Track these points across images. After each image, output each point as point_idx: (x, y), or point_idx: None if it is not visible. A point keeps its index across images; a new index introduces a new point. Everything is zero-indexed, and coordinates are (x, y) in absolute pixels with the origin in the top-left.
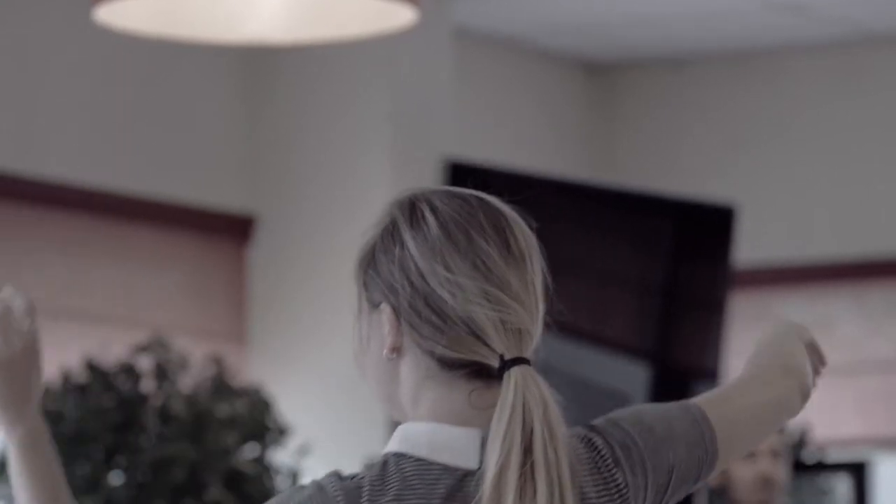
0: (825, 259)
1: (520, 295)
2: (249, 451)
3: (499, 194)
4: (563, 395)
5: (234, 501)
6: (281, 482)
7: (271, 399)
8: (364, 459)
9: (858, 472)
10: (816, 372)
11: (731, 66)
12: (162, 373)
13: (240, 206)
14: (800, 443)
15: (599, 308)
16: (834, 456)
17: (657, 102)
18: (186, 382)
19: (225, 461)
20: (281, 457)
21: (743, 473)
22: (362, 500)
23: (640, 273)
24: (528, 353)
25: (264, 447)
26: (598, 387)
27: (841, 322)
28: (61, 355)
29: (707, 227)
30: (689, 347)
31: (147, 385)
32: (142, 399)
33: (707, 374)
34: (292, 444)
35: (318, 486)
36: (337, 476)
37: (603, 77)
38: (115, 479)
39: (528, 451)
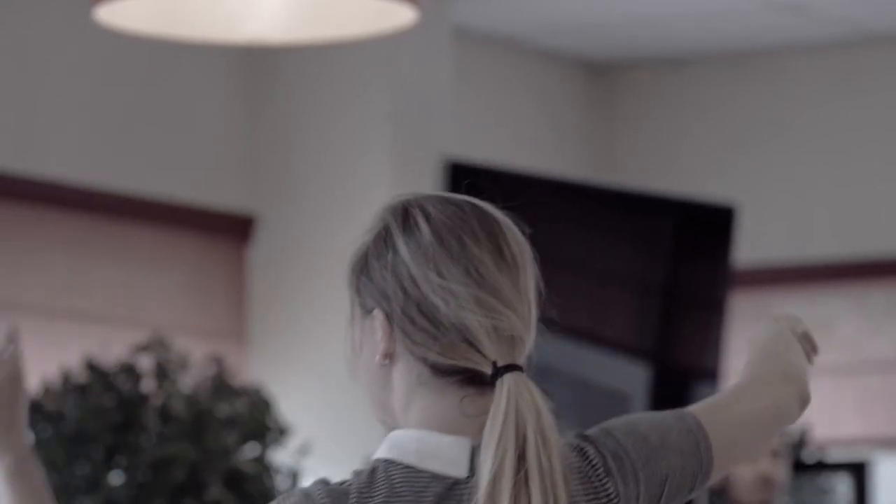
0: (825, 259)
1: (512, 301)
2: (249, 450)
3: (499, 194)
4: (563, 395)
5: (234, 501)
6: (281, 482)
7: (271, 399)
8: (364, 459)
9: (858, 472)
10: (808, 359)
11: (731, 66)
12: (162, 373)
13: (240, 206)
14: (800, 443)
15: (599, 308)
16: (834, 456)
17: (657, 102)
18: (186, 382)
19: (225, 461)
20: (281, 457)
21: (743, 473)
22: None
23: (640, 273)
24: (520, 360)
25: (264, 447)
26: (598, 387)
27: (841, 322)
28: (61, 355)
29: (707, 227)
30: (689, 347)
31: (147, 385)
32: (142, 399)
33: (707, 374)
34: (292, 443)
35: (305, 494)
36: (324, 483)
37: (603, 77)
38: (116, 478)
39: (521, 458)
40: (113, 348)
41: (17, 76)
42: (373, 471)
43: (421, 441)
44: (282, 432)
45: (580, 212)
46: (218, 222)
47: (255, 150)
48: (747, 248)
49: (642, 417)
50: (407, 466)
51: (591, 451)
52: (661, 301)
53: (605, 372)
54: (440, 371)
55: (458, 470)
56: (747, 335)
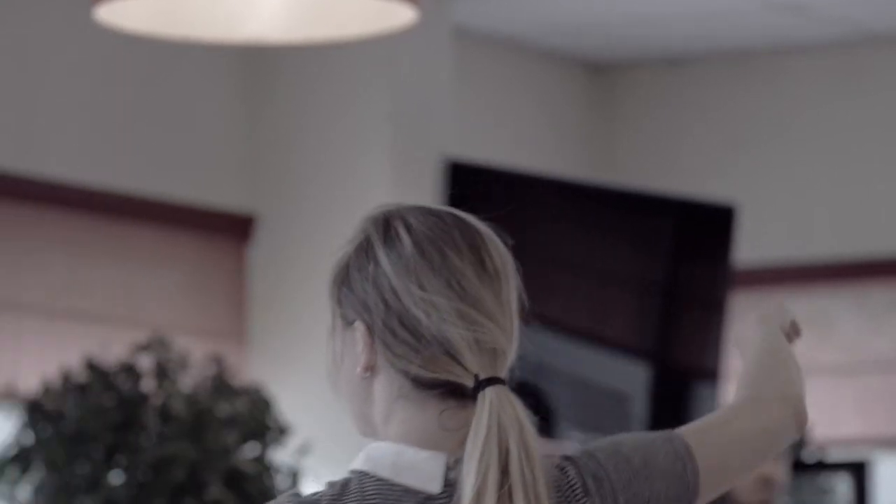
0: (825, 259)
1: (494, 314)
2: (250, 450)
3: (499, 194)
4: (563, 395)
5: (234, 501)
6: (281, 481)
7: (271, 398)
8: None
9: (858, 471)
10: (790, 340)
11: (731, 66)
12: (162, 372)
13: (240, 205)
14: (800, 442)
15: (599, 308)
16: (834, 455)
17: (657, 102)
18: (186, 382)
19: (225, 460)
20: (281, 456)
21: None
22: None
23: (640, 273)
24: (502, 373)
25: (264, 446)
26: (598, 387)
27: (841, 322)
28: (61, 355)
29: (707, 226)
30: (689, 347)
31: (147, 384)
32: (142, 398)
33: (707, 374)
34: (292, 443)
35: None
36: (296, 495)
37: (603, 77)
38: (116, 478)
39: (504, 472)
40: (113, 348)
41: (17, 76)
42: (346, 482)
43: (398, 455)
44: (282, 432)
45: (580, 212)
46: (218, 222)
47: (255, 150)
48: (747, 248)
49: (628, 438)
50: (380, 479)
51: (571, 471)
52: (661, 301)
53: (605, 372)
54: (421, 384)
55: (432, 485)
56: (734, 335)
